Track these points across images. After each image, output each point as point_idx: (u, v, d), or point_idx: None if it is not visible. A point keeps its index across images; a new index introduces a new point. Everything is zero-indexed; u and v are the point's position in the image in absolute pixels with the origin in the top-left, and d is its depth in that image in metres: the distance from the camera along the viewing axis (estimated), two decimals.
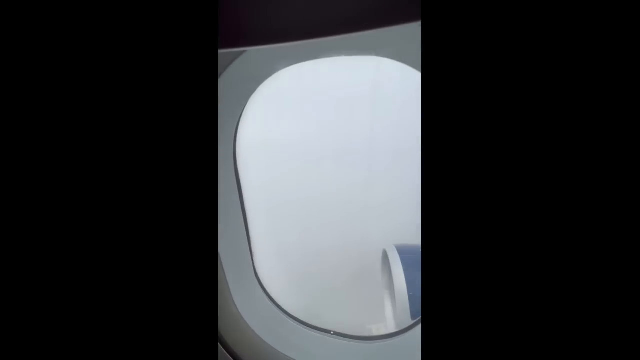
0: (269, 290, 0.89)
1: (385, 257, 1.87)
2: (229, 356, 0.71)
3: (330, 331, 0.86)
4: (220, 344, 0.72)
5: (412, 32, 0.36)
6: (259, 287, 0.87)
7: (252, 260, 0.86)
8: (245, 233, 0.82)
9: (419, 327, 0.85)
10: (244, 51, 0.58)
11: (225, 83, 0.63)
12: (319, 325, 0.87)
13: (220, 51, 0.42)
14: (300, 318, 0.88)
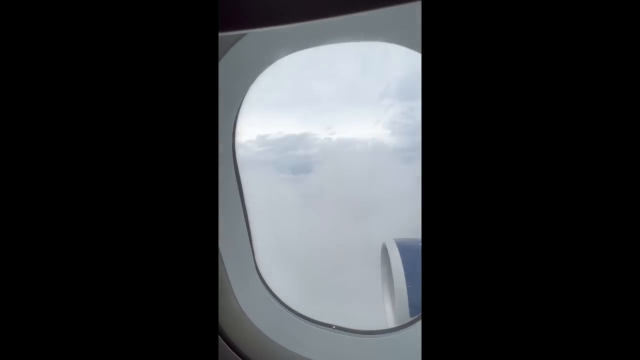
0: (270, 286, 0.88)
1: (384, 251, 1.88)
2: (232, 352, 0.70)
3: (332, 325, 0.86)
4: (223, 340, 0.71)
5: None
6: (260, 283, 0.86)
7: (254, 256, 0.85)
8: (246, 230, 0.81)
9: (420, 322, 0.85)
10: (243, 36, 0.55)
11: (222, 71, 0.61)
12: (320, 320, 0.87)
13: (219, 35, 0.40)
14: (302, 313, 0.87)
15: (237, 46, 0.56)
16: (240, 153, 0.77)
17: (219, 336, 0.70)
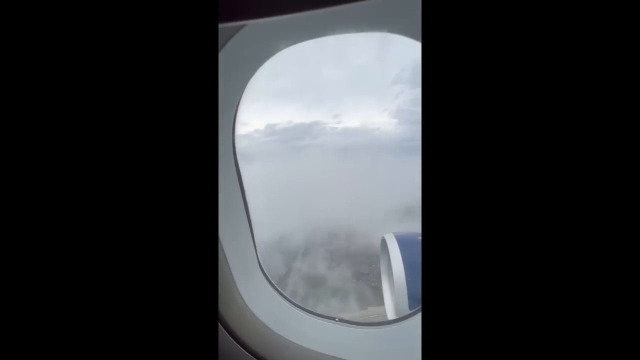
0: (272, 280, 0.88)
1: (383, 244, 1.90)
2: (238, 345, 0.71)
3: (335, 318, 0.87)
4: (228, 333, 0.71)
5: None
6: (262, 276, 0.86)
7: (256, 250, 0.85)
8: (247, 224, 0.81)
9: (420, 314, 0.86)
10: (242, 27, 0.54)
11: (221, 65, 0.60)
12: (321, 312, 0.88)
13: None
14: (304, 306, 0.88)
15: (235, 39, 0.55)
16: (246, 143, 0.76)
17: (224, 329, 0.71)
